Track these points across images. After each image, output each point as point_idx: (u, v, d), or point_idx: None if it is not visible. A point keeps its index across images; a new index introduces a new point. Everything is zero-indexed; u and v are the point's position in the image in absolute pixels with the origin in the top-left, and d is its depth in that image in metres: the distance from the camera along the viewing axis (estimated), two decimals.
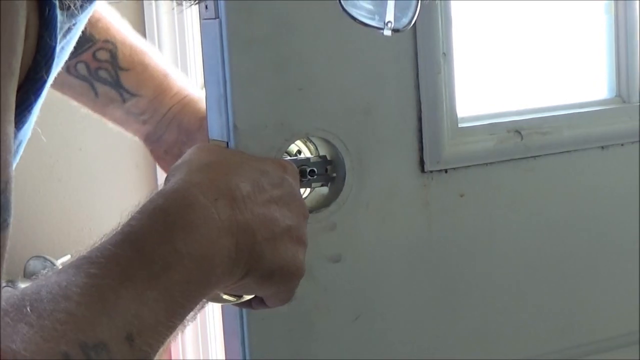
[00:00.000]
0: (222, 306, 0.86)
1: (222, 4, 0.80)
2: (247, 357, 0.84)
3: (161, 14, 2.01)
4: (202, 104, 0.98)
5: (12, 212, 0.53)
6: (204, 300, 0.67)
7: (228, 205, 0.66)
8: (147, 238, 0.61)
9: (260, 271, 0.68)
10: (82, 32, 1.00)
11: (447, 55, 0.90)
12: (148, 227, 0.62)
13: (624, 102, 1.05)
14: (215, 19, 0.81)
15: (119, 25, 1.02)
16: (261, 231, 0.68)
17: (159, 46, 1.94)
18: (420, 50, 0.89)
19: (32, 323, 0.51)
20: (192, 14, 2.06)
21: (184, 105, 1.01)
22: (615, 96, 1.06)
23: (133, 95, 1.01)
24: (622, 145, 1.03)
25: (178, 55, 1.96)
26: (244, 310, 0.82)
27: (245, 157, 0.75)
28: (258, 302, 0.75)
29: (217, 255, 0.64)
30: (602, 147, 1.01)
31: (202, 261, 0.62)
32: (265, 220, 0.68)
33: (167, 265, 0.60)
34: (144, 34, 1.90)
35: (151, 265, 0.59)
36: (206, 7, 0.82)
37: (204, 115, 0.84)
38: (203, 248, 0.62)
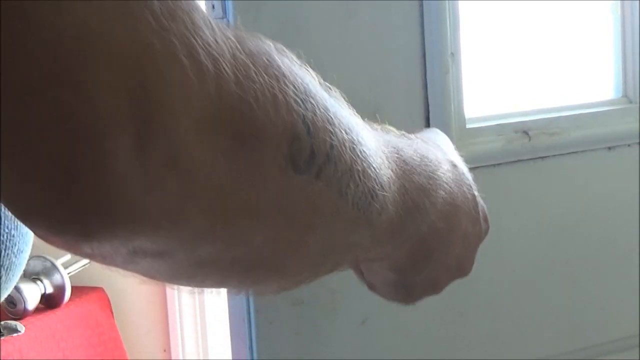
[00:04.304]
0: (228, 306, 0.86)
1: (229, 3, 0.79)
2: (254, 359, 0.83)
3: None
4: None
5: None
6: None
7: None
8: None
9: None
10: None
11: (455, 55, 0.89)
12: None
13: (631, 102, 1.05)
14: (222, 18, 0.80)
15: None
16: None
17: None
18: (428, 51, 0.88)
19: None
20: None
21: None
22: (622, 96, 1.05)
23: None
24: (628, 145, 1.02)
25: None
26: (251, 312, 0.82)
27: None
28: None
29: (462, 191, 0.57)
30: (609, 148, 1.01)
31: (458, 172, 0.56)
32: None
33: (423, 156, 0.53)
34: None
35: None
36: (213, 7, 0.81)
37: None
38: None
